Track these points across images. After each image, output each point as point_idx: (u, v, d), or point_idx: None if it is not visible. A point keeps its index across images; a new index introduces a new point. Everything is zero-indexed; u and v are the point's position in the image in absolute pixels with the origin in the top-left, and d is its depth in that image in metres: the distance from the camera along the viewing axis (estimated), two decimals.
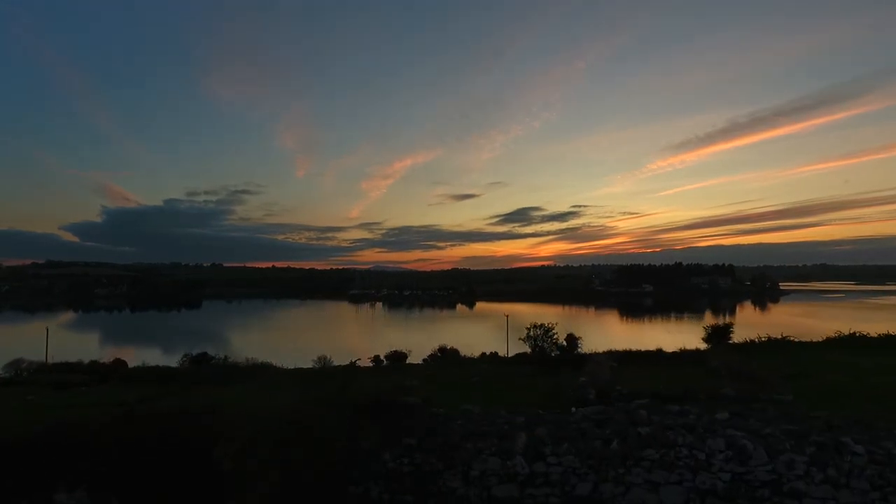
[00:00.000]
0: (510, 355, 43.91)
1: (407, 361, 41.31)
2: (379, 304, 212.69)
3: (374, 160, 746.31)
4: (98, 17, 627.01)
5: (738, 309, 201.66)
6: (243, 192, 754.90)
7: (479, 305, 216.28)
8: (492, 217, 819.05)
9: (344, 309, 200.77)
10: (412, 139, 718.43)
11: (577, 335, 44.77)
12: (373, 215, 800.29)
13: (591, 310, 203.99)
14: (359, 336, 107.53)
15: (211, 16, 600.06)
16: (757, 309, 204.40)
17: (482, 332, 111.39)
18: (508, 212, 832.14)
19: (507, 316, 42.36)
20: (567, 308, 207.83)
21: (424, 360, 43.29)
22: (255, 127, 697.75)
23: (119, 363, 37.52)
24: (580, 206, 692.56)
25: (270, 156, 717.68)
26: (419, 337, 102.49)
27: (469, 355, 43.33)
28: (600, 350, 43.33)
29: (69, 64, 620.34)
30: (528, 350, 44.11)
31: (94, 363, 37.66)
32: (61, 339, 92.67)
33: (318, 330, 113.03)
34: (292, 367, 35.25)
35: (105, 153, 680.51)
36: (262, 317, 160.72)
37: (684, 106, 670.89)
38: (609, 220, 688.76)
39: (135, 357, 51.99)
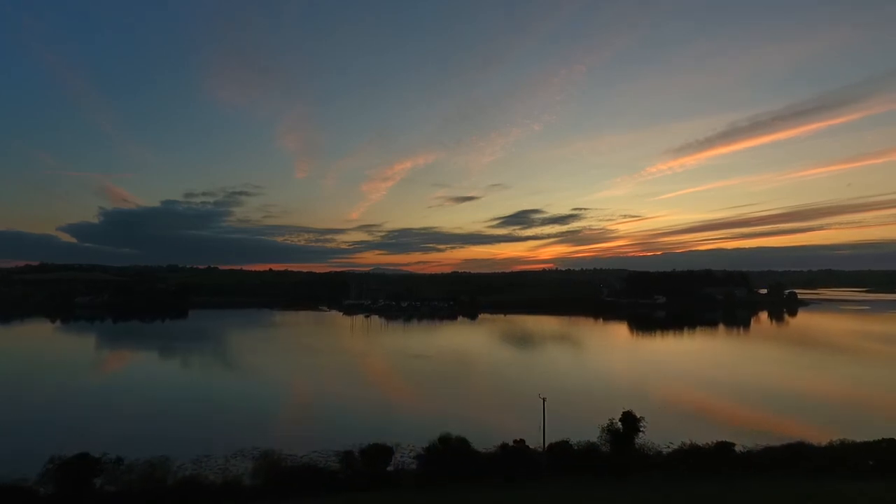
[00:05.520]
0: (545, 446, 30.93)
1: (391, 465, 28.25)
2: (375, 317, 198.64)
3: (375, 162, 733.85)
4: (99, 19, 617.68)
5: (752, 322, 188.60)
6: (241, 193, 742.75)
7: (483, 317, 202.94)
8: (492, 220, 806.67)
9: (338, 322, 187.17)
10: (412, 141, 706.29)
11: (636, 415, 31.67)
12: (373, 217, 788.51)
13: (600, 321, 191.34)
14: (341, 372, 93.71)
15: (212, 19, 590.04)
16: (774, 322, 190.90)
17: (492, 352, 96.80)
18: (509, 214, 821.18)
19: (544, 399, 29.17)
20: (575, 319, 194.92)
21: (419, 456, 30.13)
22: (256, 129, 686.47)
23: None
24: (581, 209, 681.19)
25: (270, 158, 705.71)
26: (417, 369, 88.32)
27: (484, 449, 30.35)
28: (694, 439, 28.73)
29: (70, 65, 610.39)
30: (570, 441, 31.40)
31: None
32: None
33: (294, 363, 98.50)
34: None
35: (104, 154, 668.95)
36: (241, 335, 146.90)
37: (685, 109, 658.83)
38: (610, 223, 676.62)
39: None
